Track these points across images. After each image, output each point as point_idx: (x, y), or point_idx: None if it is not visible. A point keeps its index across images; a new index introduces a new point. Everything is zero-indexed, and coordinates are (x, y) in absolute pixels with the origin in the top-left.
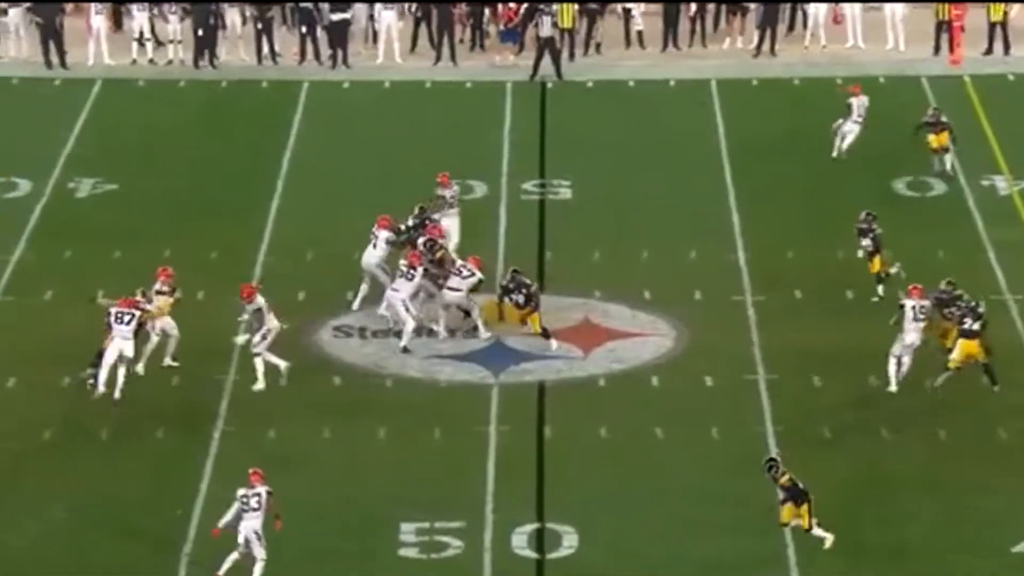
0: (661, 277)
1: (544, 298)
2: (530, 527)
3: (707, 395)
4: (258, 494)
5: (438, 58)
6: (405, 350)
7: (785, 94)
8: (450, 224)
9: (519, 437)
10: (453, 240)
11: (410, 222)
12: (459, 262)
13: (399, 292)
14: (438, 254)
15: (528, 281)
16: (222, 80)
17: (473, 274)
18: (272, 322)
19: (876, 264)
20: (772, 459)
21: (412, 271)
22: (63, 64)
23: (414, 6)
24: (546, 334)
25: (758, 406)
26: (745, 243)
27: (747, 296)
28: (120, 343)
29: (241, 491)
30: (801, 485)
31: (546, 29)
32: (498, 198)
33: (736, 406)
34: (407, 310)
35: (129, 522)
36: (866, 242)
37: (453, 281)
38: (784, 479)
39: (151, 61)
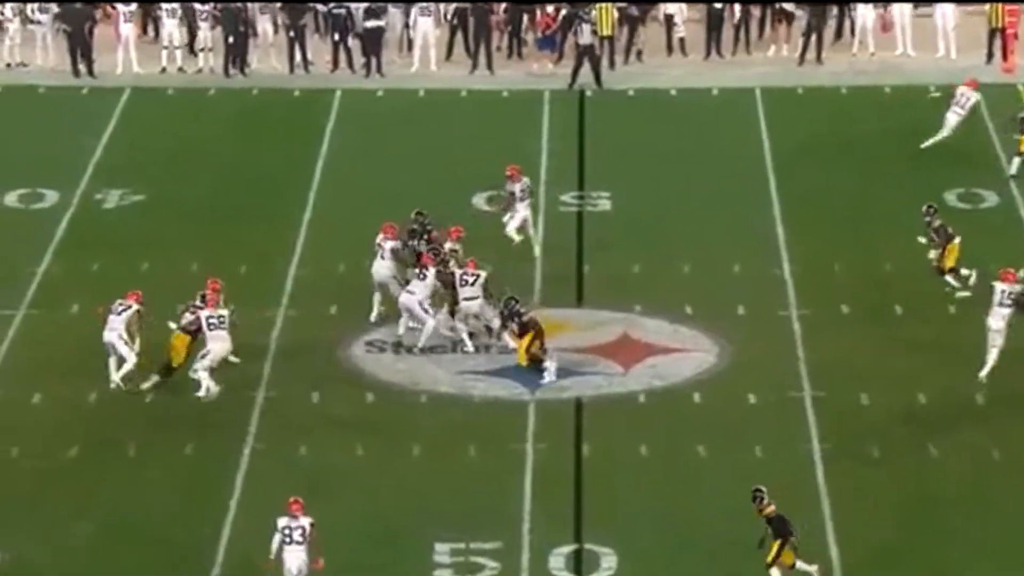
0: (703, 291)
1: (583, 312)
2: (568, 548)
3: (751, 413)
4: (301, 527)
5: (474, 66)
6: (422, 351)
7: (832, 103)
8: (524, 216)
9: (556, 455)
10: (529, 230)
11: (413, 227)
12: (458, 272)
13: (415, 294)
14: (437, 268)
15: (523, 310)
16: (253, 88)
17: (478, 276)
18: (214, 344)
19: (949, 259)
20: (758, 489)
21: (424, 271)
22: (91, 72)
23: (450, 13)
24: (538, 360)
25: (804, 424)
26: (790, 256)
27: (792, 310)
28: (107, 333)
29: (283, 522)
30: (787, 520)
31: (585, 36)
32: (536, 209)
33: (781, 424)
34: (425, 311)
35: (156, 540)
36: (937, 223)
37: (465, 291)
38: (768, 510)
39: (180, 69)
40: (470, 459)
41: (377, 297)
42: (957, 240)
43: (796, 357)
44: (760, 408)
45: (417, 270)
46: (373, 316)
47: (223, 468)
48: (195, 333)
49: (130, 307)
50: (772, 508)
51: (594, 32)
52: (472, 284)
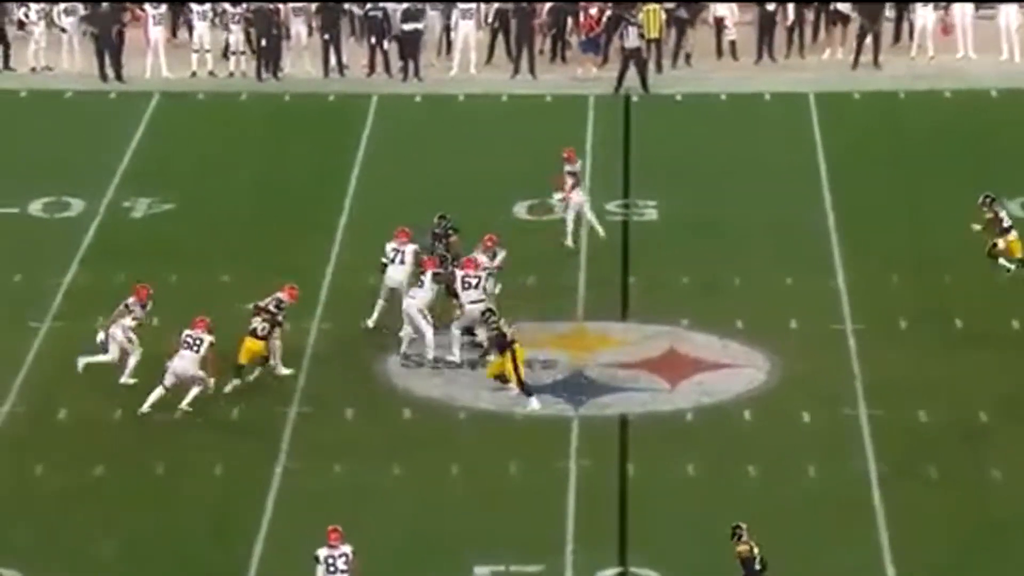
0: (754, 304)
1: (628, 326)
2: (612, 571)
3: (803, 432)
4: (344, 555)
5: (516, 70)
6: (436, 361)
7: (889, 108)
8: (580, 202)
9: (600, 474)
10: (586, 213)
11: (435, 231)
12: (459, 274)
13: (415, 300)
14: (435, 271)
15: (498, 324)
16: (286, 93)
17: (479, 278)
18: (177, 361)
19: (1015, 247)
20: (737, 526)
21: (422, 278)
22: (119, 77)
23: (491, 15)
24: (503, 379)
25: (859, 443)
26: (845, 268)
27: (847, 325)
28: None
29: (324, 552)
30: (758, 565)
31: (631, 40)
32: (579, 218)
33: (835, 443)
34: (425, 319)
35: (185, 561)
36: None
37: (470, 295)
38: (741, 548)
39: (211, 73)
40: (511, 478)
41: (380, 304)
42: (1014, 235)
43: (851, 373)
44: (813, 427)
45: (416, 276)
46: (371, 321)
47: (254, 487)
48: (265, 337)
49: (125, 305)
50: (746, 548)
51: (641, 35)
52: (476, 287)
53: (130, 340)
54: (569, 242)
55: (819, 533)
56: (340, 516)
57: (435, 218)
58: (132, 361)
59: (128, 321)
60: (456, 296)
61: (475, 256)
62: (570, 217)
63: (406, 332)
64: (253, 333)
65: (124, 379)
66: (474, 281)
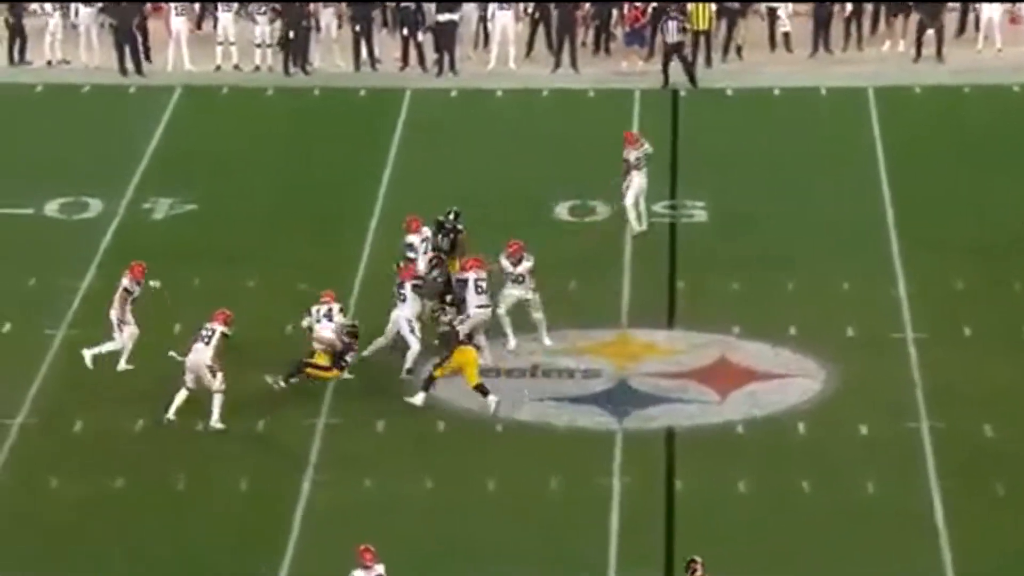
0: (809, 311)
1: (675, 334)
2: None
3: (861, 445)
4: (380, 575)
5: (557, 64)
6: (409, 372)
7: (953, 104)
8: (640, 186)
9: (646, 490)
10: (640, 204)
11: (442, 222)
12: (472, 276)
13: (403, 312)
14: (433, 271)
15: (450, 321)
16: (315, 88)
17: (484, 279)
18: (189, 356)
19: None
20: (692, 559)
21: (402, 290)
22: (139, 70)
23: (531, 6)
24: (444, 378)
25: (921, 458)
26: (906, 272)
27: (908, 333)
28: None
29: (360, 575)
30: None
31: (671, 34)
32: (623, 221)
33: (895, 457)
34: (412, 331)
35: None
36: None
37: (481, 299)
38: None
39: (236, 67)
40: (550, 494)
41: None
42: None
43: (912, 384)
44: (872, 440)
45: (397, 289)
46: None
47: (280, 502)
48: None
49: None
50: None
51: (683, 29)
52: (486, 291)
53: (120, 322)
54: (636, 228)
55: (877, 551)
56: (370, 532)
57: (451, 214)
58: (109, 346)
59: (128, 305)
60: (462, 300)
61: (500, 260)
62: (630, 202)
63: (381, 343)
64: (342, 365)
65: (97, 359)
66: (485, 285)
